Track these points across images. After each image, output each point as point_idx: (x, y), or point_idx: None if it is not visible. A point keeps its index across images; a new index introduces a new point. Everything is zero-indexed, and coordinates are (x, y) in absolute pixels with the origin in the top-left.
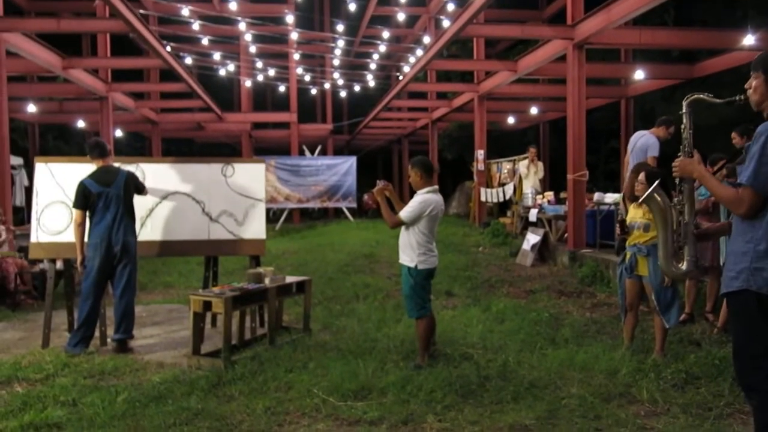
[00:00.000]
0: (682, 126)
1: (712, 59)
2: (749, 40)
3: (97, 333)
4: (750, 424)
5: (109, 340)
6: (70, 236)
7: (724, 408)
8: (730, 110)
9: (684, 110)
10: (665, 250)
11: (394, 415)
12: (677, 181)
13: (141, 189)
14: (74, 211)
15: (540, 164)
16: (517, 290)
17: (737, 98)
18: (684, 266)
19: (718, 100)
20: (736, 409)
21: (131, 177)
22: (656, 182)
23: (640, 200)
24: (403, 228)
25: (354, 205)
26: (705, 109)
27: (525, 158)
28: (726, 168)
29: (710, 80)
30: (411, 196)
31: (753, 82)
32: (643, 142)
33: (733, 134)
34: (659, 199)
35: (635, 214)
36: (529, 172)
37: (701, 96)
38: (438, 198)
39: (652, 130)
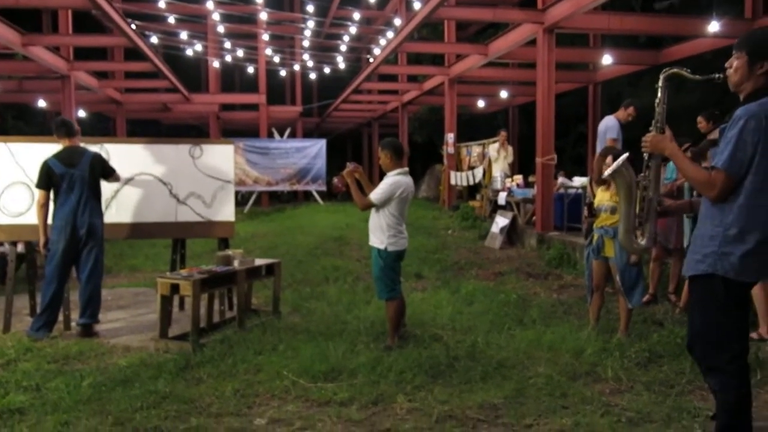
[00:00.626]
0: (656, 101)
1: (678, 46)
2: (713, 27)
3: (60, 317)
4: (710, 400)
5: (73, 324)
6: (31, 218)
7: (685, 385)
8: (695, 95)
9: (660, 84)
10: (626, 225)
11: (364, 395)
12: (645, 156)
13: (109, 173)
14: (37, 191)
15: (510, 148)
16: (486, 272)
17: (716, 76)
18: (644, 242)
19: (696, 77)
20: (696, 386)
21: (97, 159)
22: (623, 156)
23: (606, 173)
24: (373, 210)
25: (324, 188)
26: (671, 92)
27: (495, 142)
28: (690, 151)
29: (675, 66)
30: (381, 179)
31: (734, 62)
32: (604, 126)
33: (699, 118)
34: (626, 173)
35: (602, 197)
36: (498, 156)
37: (679, 70)
38: (408, 180)
39: (615, 114)
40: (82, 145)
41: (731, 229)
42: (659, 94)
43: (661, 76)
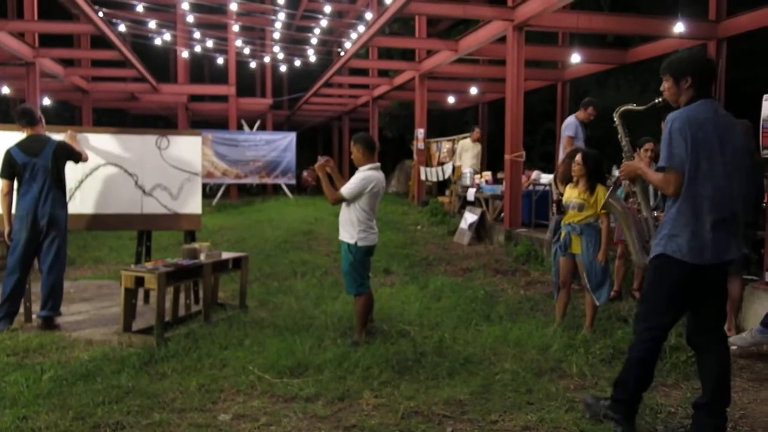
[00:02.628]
0: (619, 136)
1: (644, 45)
2: (679, 27)
3: (21, 309)
4: (672, 396)
5: (34, 316)
6: None
7: None
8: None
9: (616, 122)
10: (634, 247)
11: (330, 391)
12: (629, 186)
13: (76, 158)
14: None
15: (479, 145)
16: (454, 268)
17: (657, 101)
18: None
19: (641, 107)
20: (659, 382)
21: (61, 147)
22: (611, 190)
23: (601, 207)
24: (343, 205)
25: (293, 181)
26: (636, 94)
27: (465, 137)
28: (652, 152)
29: (642, 66)
30: (351, 173)
31: (665, 85)
32: (564, 125)
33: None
34: (615, 203)
35: (570, 195)
36: (467, 152)
37: (628, 107)
38: (379, 175)
39: (576, 113)
40: (46, 133)
41: (675, 215)
42: (620, 130)
43: (615, 116)
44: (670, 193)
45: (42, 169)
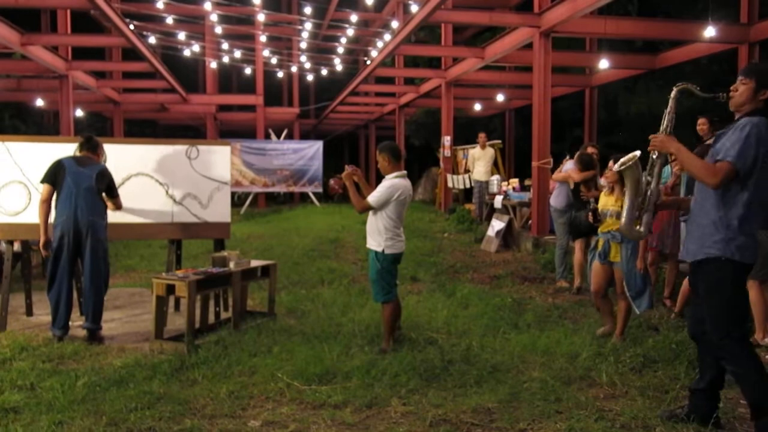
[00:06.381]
0: (667, 109)
1: (674, 50)
2: (710, 32)
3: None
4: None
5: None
6: (27, 217)
7: (680, 390)
8: (694, 101)
9: (672, 95)
10: (630, 214)
11: (358, 398)
12: (653, 155)
13: (114, 191)
14: (40, 186)
15: (490, 150)
16: (482, 276)
17: (720, 95)
18: (642, 229)
19: (703, 94)
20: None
21: (106, 171)
22: (636, 153)
23: (616, 167)
24: (371, 213)
25: (320, 189)
26: (668, 100)
27: (474, 147)
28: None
29: (672, 70)
30: (378, 182)
31: (740, 87)
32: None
33: (702, 120)
34: (635, 169)
35: (606, 202)
36: (476, 166)
37: (691, 87)
38: (406, 183)
39: None
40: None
41: (737, 219)
42: (670, 104)
43: (675, 89)
44: (711, 183)
45: (87, 178)
